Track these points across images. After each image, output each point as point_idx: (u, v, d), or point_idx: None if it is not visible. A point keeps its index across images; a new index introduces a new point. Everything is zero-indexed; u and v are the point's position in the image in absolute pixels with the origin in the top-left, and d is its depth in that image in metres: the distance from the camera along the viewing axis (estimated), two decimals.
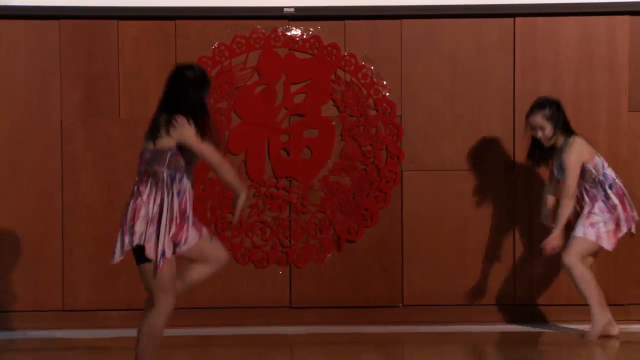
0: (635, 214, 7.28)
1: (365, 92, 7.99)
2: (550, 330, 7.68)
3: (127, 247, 5.75)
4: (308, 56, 7.99)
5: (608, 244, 7.18)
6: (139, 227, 5.70)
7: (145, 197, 5.74)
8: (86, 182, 7.88)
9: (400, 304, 8.00)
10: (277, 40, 7.97)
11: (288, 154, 7.99)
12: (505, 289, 7.98)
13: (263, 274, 7.97)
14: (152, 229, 5.71)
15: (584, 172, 7.22)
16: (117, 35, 7.90)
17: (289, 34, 7.98)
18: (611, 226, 7.18)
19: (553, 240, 7.16)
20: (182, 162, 5.82)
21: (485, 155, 7.99)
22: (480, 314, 7.92)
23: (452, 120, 8.00)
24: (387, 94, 8.00)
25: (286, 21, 7.98)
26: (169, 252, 5.74)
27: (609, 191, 7.16)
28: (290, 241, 7.98)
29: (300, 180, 7.98)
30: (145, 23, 7.92)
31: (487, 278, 7.93)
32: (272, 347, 7.31)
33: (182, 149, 5.79)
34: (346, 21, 7.99)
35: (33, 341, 7.52)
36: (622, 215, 7.17)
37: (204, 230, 6.01)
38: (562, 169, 7.24)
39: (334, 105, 8.00)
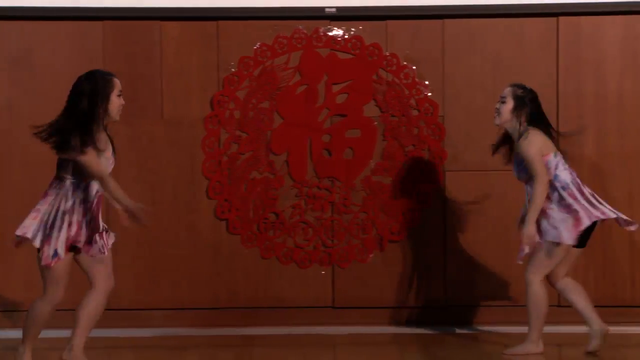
0: (605, 209, 6.82)
1: (407, 92, 7.98)
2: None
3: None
4: (350, 56, 7.98)
5: (569, 238, 6.78)
6: (35, 226, 5.98)
7: (49, 201, 6.02)
8: (129, 182, 7.90)
9: (444, 304, 7.97)
10: (318, 40, 7.97)
11: (330, 154, 7.99)
12: (548, 290, 7.94)
13: (305, 274, 7.98)
14: (47, 231, 5.98)
15: None
16: (159, 36, 7.93)
17: (330, 34, 7.99)
18: (570, 221, 6.82)
19: (528, 239, 6.73)
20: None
21: None
22: (523, 314, 7.87)
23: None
24: (429, 94, 7.99)
25: (328, 21, 7.99)
26: (61, 252, 5.97)
27: (562, 192, 6.83)
28: (332, 241, 7.98)
29: (342, 181, 7.98)
30: (188, 24, 7.95)
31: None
32: (315, 347, 7.31)
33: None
34: (388, 21, 7.98)
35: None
36: (581, 213, 6.78)
37: (107, 253, 6.19)
38: (521, 165, 6.89)
39: (375, 105, 8.00)
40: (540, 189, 6.74)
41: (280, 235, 7.96)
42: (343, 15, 7.95)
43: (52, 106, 7.86)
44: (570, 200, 6.81)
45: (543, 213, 6.79)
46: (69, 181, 6.04)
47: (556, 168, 6.86)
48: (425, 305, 7.96)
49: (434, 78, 7.97)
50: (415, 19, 7.98)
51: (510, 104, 6.89)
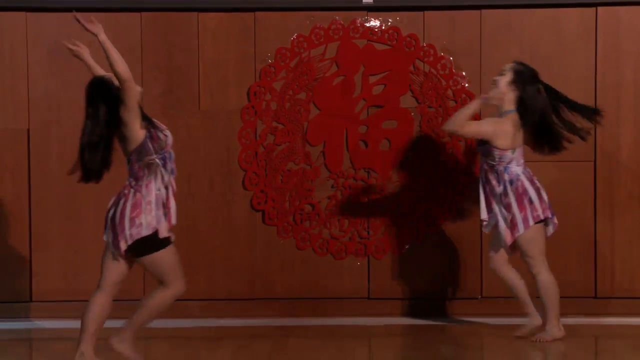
0: (544, 212, 6.86)
1: (444, 83, 7.95)
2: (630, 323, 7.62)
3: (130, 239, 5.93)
4: (386, 47, 7.97)
5: (505, 239, 6.90)
6: (144, 219, 5.91)
7: (144, 189, 5.97)
8: None
9: (479, 296, 7.96)
10: (355, 31, 7.97)
11: (366, 145, 7.99)
12: (585, 281, 7.91)
13: (341, 265, 7.99)
14: (160, 212, 5.96)
15: (490, 150, 6.87)
16: (197, 27, 7.96)
17: (367, 25, 7.98)
18: (508, 223, 6.89)
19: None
20: (161, 139, 6.05)
21: (566, 146, 7.89)
22: (561, 306, 7.84)
23: None
24: (467, 84, 7.96)
25: (365, 12, 7.98)
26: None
27: (508, 187, 6.87)
28: (368, 232, 7.99)
29: (378, 172, 7.97)
30: (225, 15, 7.97)
31: (565, 270, 7.85)
32: (351, 338, 7.31)
33: (148, 130, 6.00)
34: (425, 12, 7.96)
35: (110, 330, 7.63)
36: (518, 216, 6.83)
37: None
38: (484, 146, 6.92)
39: (412, 96, 7.98)
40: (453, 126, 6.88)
41: (316, 226, 7.98)
42: (380, 6, 7.94)
43: None
44: (512, 198, 6.88)
45: (505, 206, 6.87)
46: (157, 159, 6.05)
47: (509, 162, 6.90)
48: (461, 296, 7.95)
49: (471, 69, 7.94)
50: (452, 9, 7.95)
51: (508, 76, 6.92)
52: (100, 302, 6.06)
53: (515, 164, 6.91)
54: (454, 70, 7.95)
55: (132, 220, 5.92)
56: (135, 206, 5.94)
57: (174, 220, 6.06)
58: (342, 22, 7.97)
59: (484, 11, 7.95)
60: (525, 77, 6.91)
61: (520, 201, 6.88)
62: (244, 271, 7.96)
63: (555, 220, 6.98)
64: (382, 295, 7.97)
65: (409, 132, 7.97)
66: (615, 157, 7.90)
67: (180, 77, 7.95)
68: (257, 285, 7.98)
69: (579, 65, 7.90)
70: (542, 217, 6.89)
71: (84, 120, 6.00)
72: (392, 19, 7.97)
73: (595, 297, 7.93)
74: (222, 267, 7.98)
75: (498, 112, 6.94)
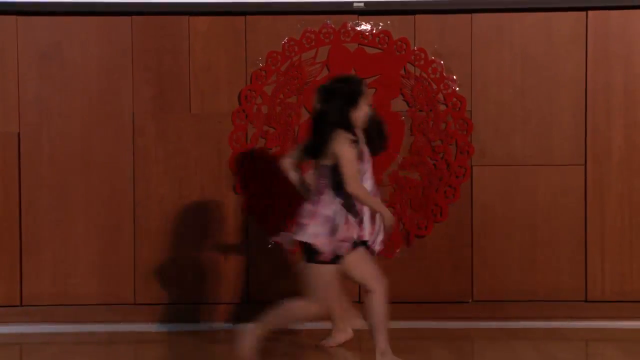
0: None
1: (435, 86, 7.96)
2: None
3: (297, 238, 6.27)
4: (377, 51, 7.98)
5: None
6: (312, 228, 6.22)
7: (322, 203, 6.27)
8: (157, 177, 7.96)
9: (470, 300, 7.97)
10: (346, 35, 7.97)
11: None
12: (576, 285, 7.92)
13: None
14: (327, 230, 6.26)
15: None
16: (187, 31, 7.96)
17: (358, 28, 7.98)
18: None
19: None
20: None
21: (556, 150, 7.93)
22: (550, 309, 7.87)
23: (522, 115, 7.94)
24: (457, 88, 7.97)
25: (356, 16, 7.98)
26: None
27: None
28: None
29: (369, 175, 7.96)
30: (216, 18, 7.97)
31: (556, 274, 7.87)
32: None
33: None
34: (416, 15, 7.96)
35: (100, 334, 7.63)
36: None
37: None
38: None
39: (403, 100, 7.99)
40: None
41: None
42: (371, 10, 7.94)
43: (81, 101, 7.99)
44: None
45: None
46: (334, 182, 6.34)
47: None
48: (452, 300, 7.95)
49: (462, 73, 7.95)
50: (443, 13, 7.96)
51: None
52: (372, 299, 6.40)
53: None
54: (444, 74, 7.96)
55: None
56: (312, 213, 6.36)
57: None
58: (333, 26, 7.97)
59: (475, 15, 7.96)
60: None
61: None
62: (235, 275, 7.96)
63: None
64: None
65: (400, 136, 7.97)
66: (606, 161, 7.92)
67: (171, 80, 7.95)
68: (250, 289, 7.97)
69: (570, 69, 7.91)
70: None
71: None
72: (383, 22, 7.98)
73: (586, 301, 7.93)
74: (213, 270, 7.97)
75: None
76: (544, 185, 7.86)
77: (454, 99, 7.96)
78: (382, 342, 6.49)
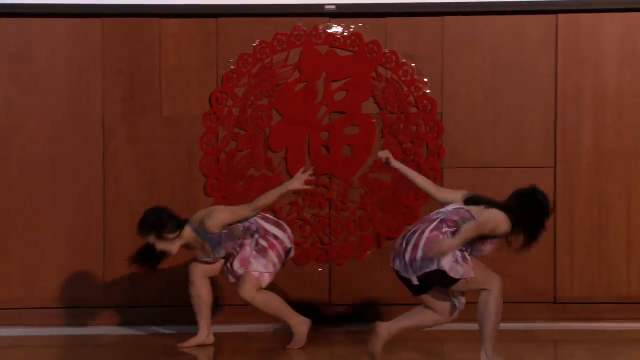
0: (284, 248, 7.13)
1: (406, 89, 7.97)
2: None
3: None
4: (349, 54, 7.98)
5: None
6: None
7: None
8: (128, 180, 7.93)
9: None
10: (318, 37, 7.97)
11: (328, 152, 8.00)
12: (545, 287, 7.93)
13: (302, 271, 7.98)
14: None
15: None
16: (159, 33, 7.95)
17: (330, 31, 7.99)
18: (271, 268, 7.08)
19: None
20: None
21: (526, 152, 7.95)
22: (521, 311, 7.87)
23: (493, 118, 7.96)
24: (428, 91, 7.98)
25: (327, 19, 7.99)
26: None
27: (256, 236, 7.08)
28: (330, 238, 7.99)
29: (340, 178, 7.98)
30: (187, 21, 7.96)
31: (525, 276, 7.88)
32: (309, 343, 7.28)
33: None
34: (387, 18, 7.98)
35: (69, 338, 7.60)
36: (273, 255, 7.09)
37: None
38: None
39: (374, 102, 8.00)
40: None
41: None
42: (342, 13, 7.95)
43: (50, 103, 7.95)
44: (264, 242, 7.10)
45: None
46: None
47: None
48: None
49: (433, 75, 7.97)
50: (414, 16, 7.97)
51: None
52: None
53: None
54: (416, 77, 7.97)
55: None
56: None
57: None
58: (304, 29, 7.97)
59: (446, 18, 7.97)
60: None
61: (272, 244, 7.12)
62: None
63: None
64: (343, 302, 7.96)
65: (371, 139, 7.98)
66: (575, 164, 7.95)
67: (142, 83, 7.93)
68: (219, 292, 7.94)
69: (540, 72, 7.94)
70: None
71: None
72: (354, 25, 7.98)
73: (555, 303, 7.96)
74: (183, 274, 7.93)
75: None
76: (514, 187, 7.84)
77: (425, 102, 7.97)
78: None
